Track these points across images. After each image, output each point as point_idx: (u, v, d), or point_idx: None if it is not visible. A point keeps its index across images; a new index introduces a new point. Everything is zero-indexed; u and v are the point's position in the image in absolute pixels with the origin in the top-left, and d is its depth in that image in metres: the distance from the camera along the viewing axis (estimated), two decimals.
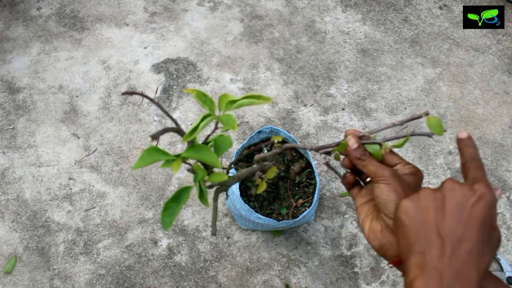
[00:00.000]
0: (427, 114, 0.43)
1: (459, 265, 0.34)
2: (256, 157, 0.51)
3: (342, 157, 0.50)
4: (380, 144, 0.46)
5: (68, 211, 1.17)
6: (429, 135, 0.45)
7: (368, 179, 0.50)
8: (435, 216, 0.36)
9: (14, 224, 1.15)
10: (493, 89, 1.42)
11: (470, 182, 0.37)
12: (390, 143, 0.46)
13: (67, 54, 1.43)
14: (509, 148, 1.31)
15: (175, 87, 1.38)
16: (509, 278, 1.10)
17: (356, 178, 0.51)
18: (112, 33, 1.49)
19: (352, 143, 0.46)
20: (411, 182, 0.45)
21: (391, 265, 0.44)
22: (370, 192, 0.49)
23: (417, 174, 0.46)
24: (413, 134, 0.46)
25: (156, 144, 0.40)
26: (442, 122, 0.42)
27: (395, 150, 0.47)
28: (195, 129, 0.39)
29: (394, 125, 0.47)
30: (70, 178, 1.22)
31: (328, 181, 1.23)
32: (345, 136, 0.48)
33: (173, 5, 1.56)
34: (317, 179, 1.04)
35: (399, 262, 0.42)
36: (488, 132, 1.34)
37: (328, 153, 0.50)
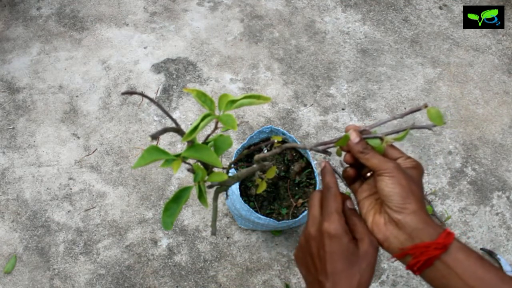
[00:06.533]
0: (426, 106, 0.43)
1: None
2: (256, 157, 0.51)
3: (343, 153, 0.50)
4: (381, 138, 0.46)
5: (68, 211, 1.17)
6: (428, 128, 0.45)
7: (369, 174, 0.50)
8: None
9: (14, 224, 1.15)
10: (493, 89, 1.42)
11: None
12: (391, 137, 0.46)
13: (67, 54, 1.43)
14: (509, 148, 1.31)
15: (175, 87, 1.38)
16: None
17: (357, 173, 0.51)
18: (112, 33, 1.49)
19: (354, 137, 0.46)
20: (413, 176, 0.44)
21: (394, 258, 0.44)
22: (371, 186, 0.49)
23: (418, 168, 0.45)
24: (413, 127, 0.46)
25: (156, 144, 0.40)
26: (441, 112, 0.43)
27: (396, 144, 0.47)
28: (195, 128, 0.39)
29: (394, 118, 0.47)
30: (70, 178, 1.22)
31: None
32: (346, 131, 0.47)
33: (173, 5, 1.56)
34: (317, 179, 1.04)
35: (403, 255, 0.42)
36: (488, 132, 1.34)
37: (327, 153, 0.50)
